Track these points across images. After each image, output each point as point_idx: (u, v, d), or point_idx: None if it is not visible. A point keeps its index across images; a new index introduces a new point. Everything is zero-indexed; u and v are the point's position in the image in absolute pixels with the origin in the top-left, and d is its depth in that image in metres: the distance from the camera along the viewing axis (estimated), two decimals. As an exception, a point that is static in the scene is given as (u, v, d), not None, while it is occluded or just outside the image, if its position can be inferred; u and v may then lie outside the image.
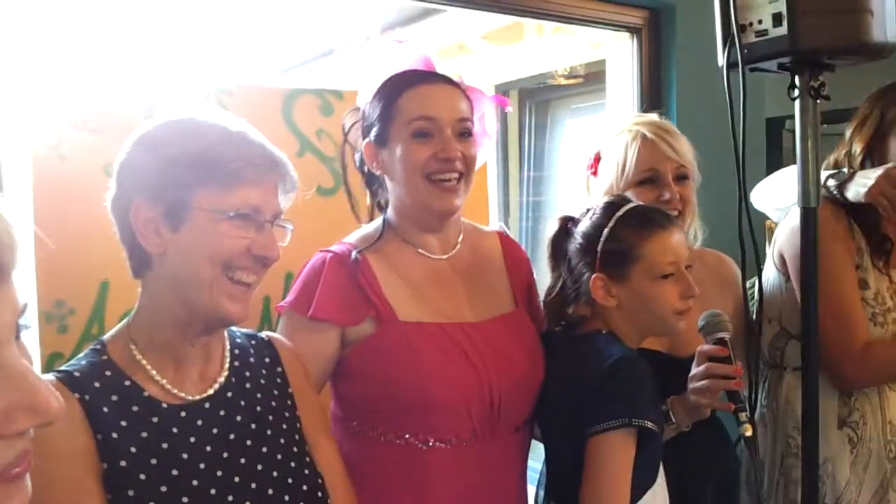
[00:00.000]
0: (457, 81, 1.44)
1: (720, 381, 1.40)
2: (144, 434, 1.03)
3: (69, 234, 1.45)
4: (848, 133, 1.80)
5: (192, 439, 1.06)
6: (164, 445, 1.04)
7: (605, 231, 1.41)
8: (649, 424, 1.29)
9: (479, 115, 1.48)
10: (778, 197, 1.86)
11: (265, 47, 3.49)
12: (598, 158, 1.72)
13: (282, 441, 1.15)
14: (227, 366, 1.15)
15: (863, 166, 1.74)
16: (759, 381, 1.73)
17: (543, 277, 1.63)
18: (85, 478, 0.98)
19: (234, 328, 1.21)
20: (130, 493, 0.99)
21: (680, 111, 2.56)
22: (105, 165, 1.39)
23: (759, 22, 1.26)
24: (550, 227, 1.53)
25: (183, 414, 1.07)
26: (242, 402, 1.14)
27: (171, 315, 1.08)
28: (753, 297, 1.75)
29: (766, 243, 1.96)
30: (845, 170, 1.71)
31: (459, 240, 1.48)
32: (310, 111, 1.83)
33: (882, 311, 1.72)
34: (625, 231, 1.40)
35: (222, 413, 1.11)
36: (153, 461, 1.02)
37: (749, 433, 1.36)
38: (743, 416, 1.37)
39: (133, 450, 1.01)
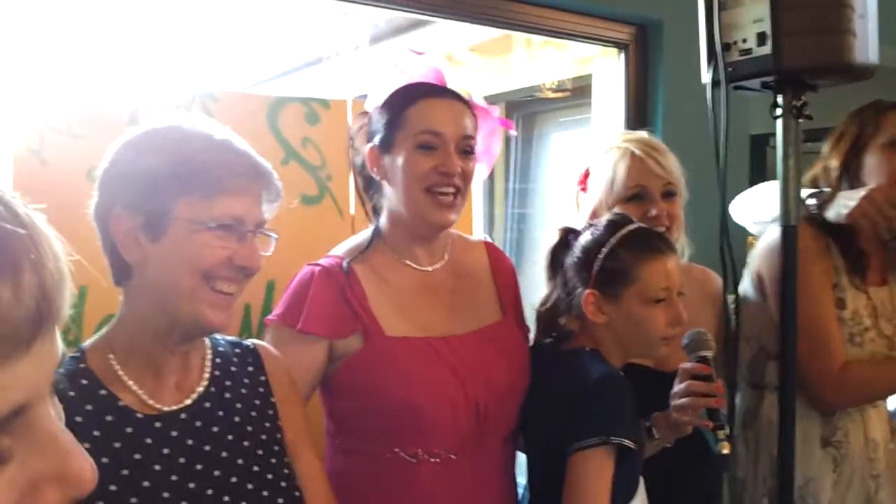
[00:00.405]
0: (465, 98, 1.46)
1: (701, 399, 1.41)
2: (117, 444, 1.02)
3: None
4: (825, 149, 1.82)
5: (166, 450, 1.05)
6: (137, 456, 1.03)
7: (605, 249, 1.42)
8: (627, 442, 1.31)
9: (484, 134, 1.51)
10: (757, 211, 1.88)
11: (252, 54, 3.48)
12: (587, 174, 1.74)
13: (259, 453, 1.13)
14: (206, 375, 1.14)
15: (839, 182, 1.76)
16: (733, 399, 1.73)
17: (528, 287, 1.63)
18: None
19: (218, 336, 1.20)
20: None
21: (665, 126, 2.57)
22: (88, 171, 1.37)
23: (744, 41, 1.27)
24: (550, 238, 1.54)
25: (158, 424, 1.06)
26: (220, 413, 1.12)
27: (151, 324, 1.07)
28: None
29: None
30: (826, 189, 1.72)
31: (447, 251, 1.50)
32: (295, 119, 1.83)
33: (859, 330, 1.73)
34: (624, 251, 1.41)
35: (199, 424, 1.09)
36: (124, 472, 1.01)
37: (726, 451, 1.37)
38: (721, 433, 1.38)
39: (105, 460, 1.00)
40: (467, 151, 1.41)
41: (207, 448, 1.08)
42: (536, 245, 2.59)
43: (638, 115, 2.61)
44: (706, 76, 1.33)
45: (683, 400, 1.42)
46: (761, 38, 1.25)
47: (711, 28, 1.29)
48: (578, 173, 1.77)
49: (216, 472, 1.08)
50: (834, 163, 1.78)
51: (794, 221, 1.36)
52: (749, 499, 1.78)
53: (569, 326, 1.49)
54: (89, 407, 1.02)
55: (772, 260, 1.74)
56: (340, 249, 1.46)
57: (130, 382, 1.06)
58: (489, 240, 1.66)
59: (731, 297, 1.65)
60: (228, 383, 1.16)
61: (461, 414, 1.35)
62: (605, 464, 1.31)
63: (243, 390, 1.17)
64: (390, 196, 1.43)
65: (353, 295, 1.37)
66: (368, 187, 1.50)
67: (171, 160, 1.04)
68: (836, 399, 1.64)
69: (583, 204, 1.75)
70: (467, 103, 1.45)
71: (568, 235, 1.51)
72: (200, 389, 1.12)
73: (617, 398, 1.35)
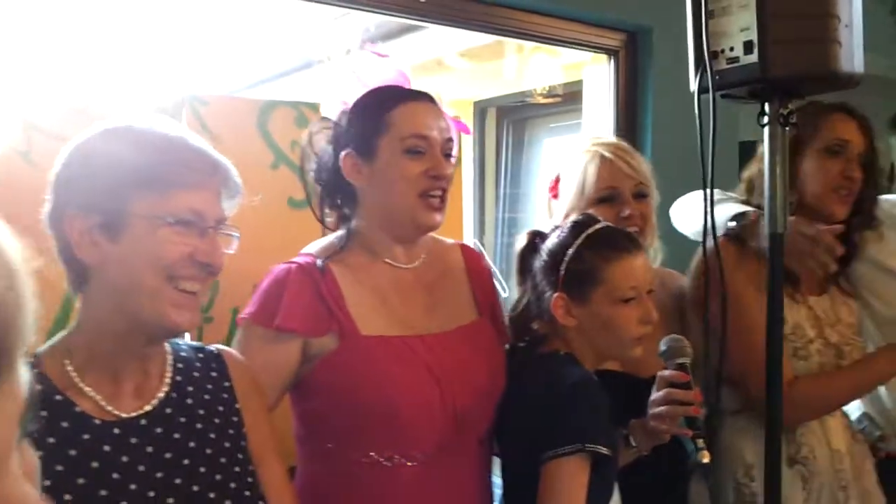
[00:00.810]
0: (437, 101, 1.45)
1: (680, 408, 1.40)
2: (73, 452, 0.99)
3: (33, 245, 1.42)
4: (759, 153, 1.74)
5: (125, 458, 1.02)
6: (94, 464, 0.99)
7: (570, 251, 1.41)
8: (602, 449, 1.29)
9: None
10: (691, 220, 1.84)
11: (243, 58, 3.48)
12: (558, 181, 1.73)
13: (222, 461, 1.10)
14: (167, 381, 1.11)
15: None
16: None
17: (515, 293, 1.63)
18: None
19: (180, 341, 1.18)
20: None
21: (655, 133, 2.59)
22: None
23: (731, 49, 1.28)
24: (519, 242, 1.54)
25: (116, 431, 1.03)
26: (182, 419, 1.09)
27: (112, 327, 1.04)
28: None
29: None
30: (751, 209, 1.66)
31: (424, 251, 1.48)
32: (285, 123, 1.83)
33: (803, 343, 1.70)
34: (589, 252, 1.40)
35: (159, 431, 1.06)
36: (81, 481, 0.98)
37: (706, 460, 1.36)
38: (700, 442, 1.38)
39: (59, 468, 0.97)
40: (449, 154, 1.41)
41: (168, 456, 1.05)
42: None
43: (627, 120, 2.62)
44: (693, 84, 1.34)
45: (662, 408, 1.41)
46: (748, 46, 1.26)
47: (699, 36, 1.30)
48: (549, 180, 1.77)
49: (177, 480, 1.05)
50: (765, 172, 1.72)
51: (781, 229, 1.36)
52: None
53: (541, 330, 1.48)
54: (44, 413, 0.99)
55: (701, 282, 1.68)
56: (312, 248, 1.44)
57: (88, 388, 1.03)
58: (478, 245, 1.67)
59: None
60: (191, 389, 1.13)
61: (438, 415, 1.34)
62: (581, 471, 1.29)
63: (206, 396, 1.14)
64: (371, 201, 1.41)
65: (329, 293, 1.35)
66: (333, 193, 1.45)
67: (126, 158, 1.02)
68: (788, 417, 1.53)
69: (555, 210, 1.74)
70: (440, 106, 1.44)
71: (536, 239, 1.50)
72: (161, 395, 1.09)
73: (593, 404, 1.33)
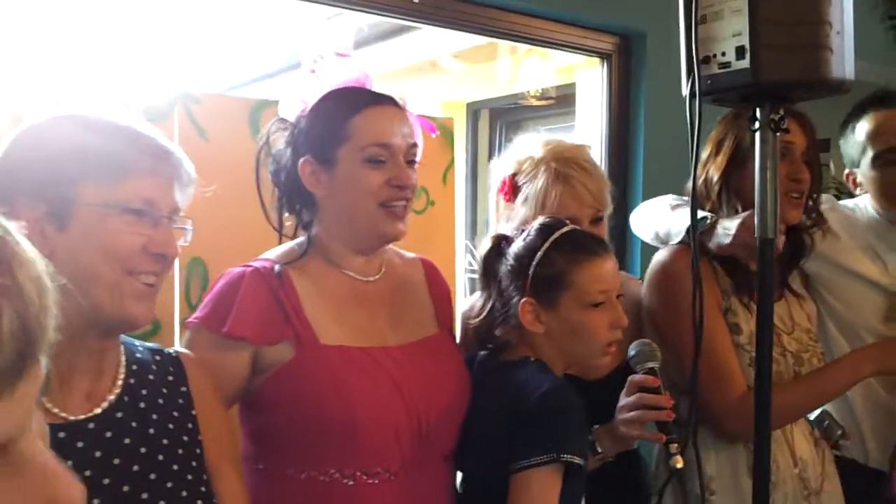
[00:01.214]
0: (401, 104, 1.39)
1: (651, 412, 1.38)
2: None
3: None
4: (704, 157, 1.73)
5: (69, 463, 0.95)
6: None
7: (538, 254, 1.37)
8: (577, 459, 1.26)
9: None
10: (650, 225, 1.82)
11: (235, 57, 3.47)
12: (512, 184, 1.66)
13: (175, 468, 1.05)
14: (119, 383, 1.06)
15: (720, 195, 1.69)
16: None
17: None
18: None
19: (137, 343, 1.14)
20: None
21: (647, 136, 2.60)
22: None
23: (723, 54, 1.28)
24: (483, 246, 1.49)
25: (61, 435, 0.97)
26: (134, 424, 1.04)
27: (64, 322, 1.01)
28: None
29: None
30: (708, 215, 1.64)
31: (384, 264, 1.43)
32: (277, 123, 1.82)
33: None
34: (557, 256, 1.36)
35: (108, 435, 1.01)
36: None
37: (680, 465, 1.34)
38: (674, 447, 1.35)
39: None
40: (412, 162, 1.36)
41: (117, 461, 1.01)
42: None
43: (619, 124, 2.63)
44: (686, 88, 1.34)
45: (632, 413, 1.39)
46: (740, 51, 1.26)
47: (690, 41, 1.30)
48: (500, 180, 1.69)
49: (125, 488, 1.00)
50: (714, 175, 1.70)
51: (771, 235, 1.36)
52: None
53: (505, 337, 1.43)
54: None
55: (659, 288, 1.69)
56: (272, 254, 1.37)
57: None
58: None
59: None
60: (144, 392, 1.08)
61: (403, 427, 1.27)
62: (554, 481, 1.25)
63: (161, 400, 1.09)
64: (331, 210, 1.36)
65: (286, 298, 1.29)
66: (292, 198, 1.39)
67: (73, 144, 0.98)
68: (741, 430, 1.48)
69: (509, 215, 1.67)
70: (404, 109, 1.38)
71: (501, 243, 1.46)
72: (112, 398, 1.04)
73: (567, 412, 1.29)
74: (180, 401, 1.12)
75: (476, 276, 1.57)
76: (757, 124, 1.34)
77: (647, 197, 2.11)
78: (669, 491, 1.64)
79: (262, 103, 1.81)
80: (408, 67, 3.56)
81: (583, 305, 1.36)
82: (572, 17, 2.45)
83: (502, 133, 4.12)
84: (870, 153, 1.88)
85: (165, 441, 1.07)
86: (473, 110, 4.23)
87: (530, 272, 1.37)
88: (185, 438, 1.09)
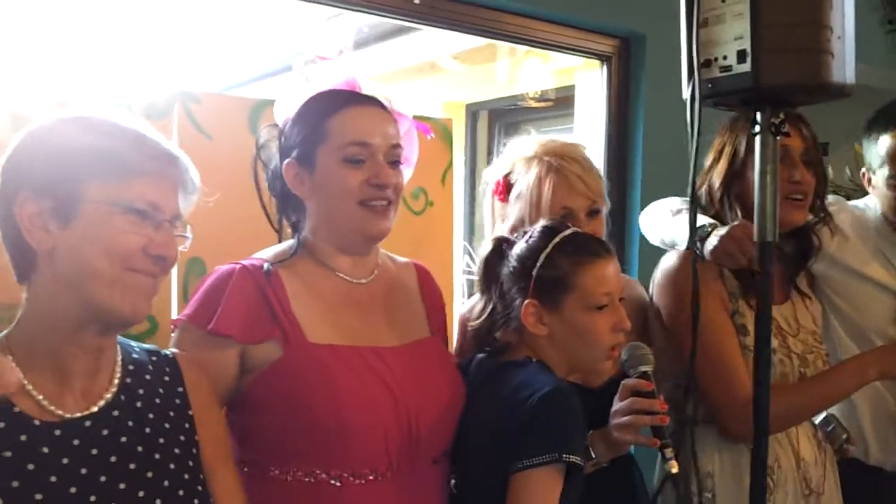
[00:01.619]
0: (386, 105, 1.39)
1: (645, 417, 1.37)
2: (8, 454, 0.95)
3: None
4: (706, 165, 1.74)
5: (65, 460, 0.98)
6: (30, 466, 0.95)
7: (542, 256, 1.37)
8: (579, 460, 1.26)
9: (406, 143, 1.43)
10: (657, 228, 1.81)
11: (235, 56, 3.47)
12: (506, 185, 1.66)
13: (171, 467, 1.06)
14: (116, 382, 1.07)
15: (722, 201, 1.70)
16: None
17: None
18: None
19: (133, 344, 1.15)
20: None
21: (646, 139, 2.60)
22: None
23: (724, 58, 1.28)
24: (483, 248, 1.49)
25: (57, 432, 0.99)
26: (130, 423, 1.05)
27: (63, 318, 1.01)
28: None
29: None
30: (710, 222, 1.64)
31: (377, 267, 1.43)
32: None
33: None
34: (561, 258, 1.36)
35: (105, 433, 1.02)
36: (15, 483, 0.94)
37: (675, 470, 1.33)
38: (668, 452, 1.34)
39: None
40: (395, 162, 1.35)
41: (113, 459, 1.02)
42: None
43: (619, 126, 2.63)
44: (686, 91, 1.34)
45: (626, 418, 1.38)
46: (741, 55, 1.26)
47: (691, 45, 1.30)
48: (494, 181, 1.69)
49: (121, 485, 1.01)
50: (716, 182, 1.71)
51: (771, 238, 1.37)
52: None
53: (506, 340, 1.42)
54: None
55: (666, 291, 1.70)
56: (265, 253, 1.37)
57: (29, 386, 0.99)
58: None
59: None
60: (141, 392, 1.09)
61: (392, 429, 1.26)
62: (555, 482, 1.24)
63: (157, 400, 1.10)
64: (315, 211, 1.35)
65: (274, 296, 1.28)
66: (285, 204, 1.40)
67: (80, 143, 1.00)
68: (746, 431, 1.47)
69: (504, 215, 1.67)
70: (388, 109, 1.38)
71: (502, 245, 1.45)
72: (109, 396, 1.05)
73: (569, 413, 1.28)
74: (177, 401, 1.13)
75: (474, 277, 1.57)
76: (757, 128, 1.34)
77: (646, 200, 2.11)
78: (666, 495, 1.64)
79: (262, 103, 1.81)
80: (407, 68, 3.56)
81: (586, 308, 1.36)
82: (572, 19, 2.45)
83: (501, 134, 4.12)
84: (887, 170, 1.88)
85: (162, 440, 1.08)
86: (472, 112, 4.23)
87: (533, 274, 1.37)
88: (182, 438, 1.10)
